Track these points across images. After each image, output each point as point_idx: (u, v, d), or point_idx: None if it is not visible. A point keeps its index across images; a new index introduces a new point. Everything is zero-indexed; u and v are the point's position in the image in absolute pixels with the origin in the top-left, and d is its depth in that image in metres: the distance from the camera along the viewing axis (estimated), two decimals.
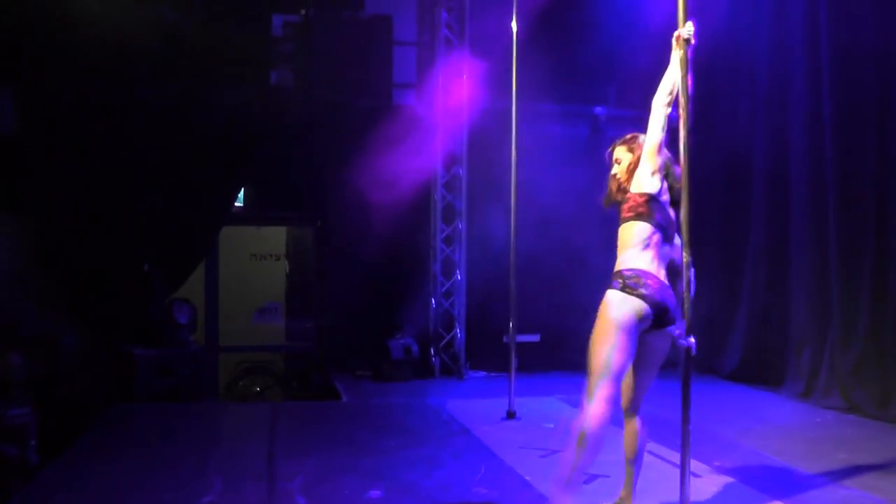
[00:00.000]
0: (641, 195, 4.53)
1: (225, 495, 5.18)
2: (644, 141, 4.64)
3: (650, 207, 4.51)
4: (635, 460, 4.73)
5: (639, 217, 4.51)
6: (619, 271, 4.46)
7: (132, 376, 8.79)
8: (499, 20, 9.04)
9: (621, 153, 4.75)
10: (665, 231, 4.53)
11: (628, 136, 4.81)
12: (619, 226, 4.61)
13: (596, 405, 4.29)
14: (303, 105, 10.56)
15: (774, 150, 9.56)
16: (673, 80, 4.55)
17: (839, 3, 8.50)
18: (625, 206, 4.58)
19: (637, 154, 4.67)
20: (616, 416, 4.43)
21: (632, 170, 4.66)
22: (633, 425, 4.70)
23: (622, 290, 4.39)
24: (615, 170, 4.74)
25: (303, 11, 10.86)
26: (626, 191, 4.65)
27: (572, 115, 11.14)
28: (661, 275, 4.50)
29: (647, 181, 4.54)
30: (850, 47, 8.35)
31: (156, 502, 5.10)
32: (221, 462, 6.04)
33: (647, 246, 4.48)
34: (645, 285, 4.37)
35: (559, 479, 4.40)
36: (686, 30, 4.50)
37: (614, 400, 4.38)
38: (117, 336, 9.14)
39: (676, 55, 4.54)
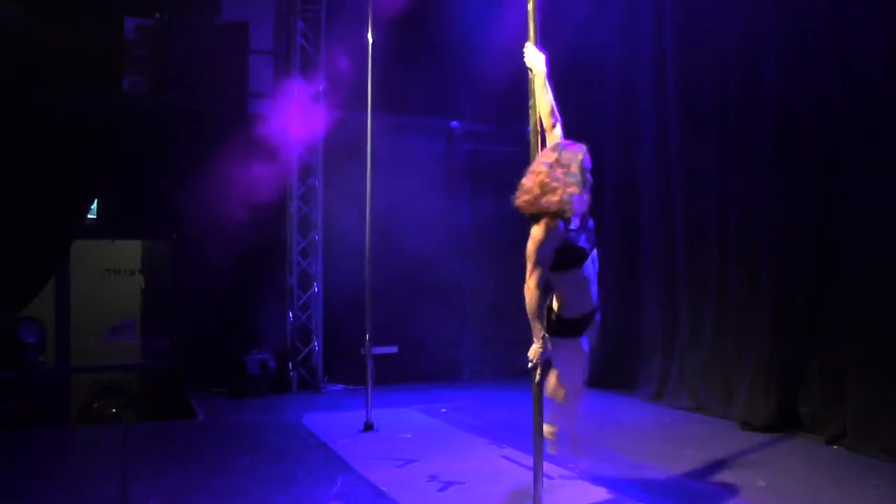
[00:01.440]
0: None
1: None
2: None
3: None
4: None
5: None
6: None
7: None
8: (356, 31, 9.05)
9: None
10: None
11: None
12: None
13: None
14: (156, 112, 10.23)
15: (624, 162, 9.93)
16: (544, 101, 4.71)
17: (683, 15, 8.89)
18: None
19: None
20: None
21: None
22: None
23: None
24: None
25: (157, 15, 10.58)
26: None
27: (428, 128, 11.25)
28: None
29: None
30: (691, 62, 8.79)
31: None
32: (70, 490, 5.85)
33: None
34: None
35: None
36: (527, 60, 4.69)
37: None
38: None
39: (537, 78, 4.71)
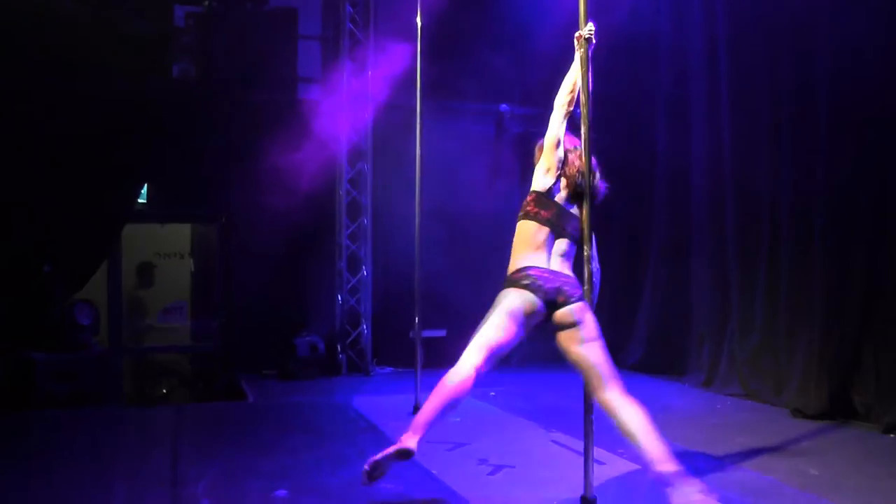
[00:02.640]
0: (531, 193, 4.73)
1: (128, 501, 5.11)
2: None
3: (537, 205, 4.67)
4: None
5: (525, 216, 4.71)
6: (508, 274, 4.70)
7: (31, 383, 8.54)
8: (404, 15, 9.04)
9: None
10: (554, 227, 4.63)
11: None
12: None
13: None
14: (206, 99, 10.36)
15: (676, 148, 9.85)
16: (574, 79, 4.67)
17: (734, 3, 8.77)
18: (523, 204, 4.76)
19: (538, 155, 4.80)
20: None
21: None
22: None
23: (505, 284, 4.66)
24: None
25: (206, 2, 10.66)
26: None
27: (477, 111, 11.22)
28: (555, 265, 4.61)
29: (539, 179, 4.73)
30: (745, 46, 8.67)
31: None
32: (124, 469, 5.93)
33: (537, 246, 4.64)
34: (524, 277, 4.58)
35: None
36: (587, 30, 4.62)
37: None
38: (15, 341, 8.85)
39: (578, 55, 4.65)
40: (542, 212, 4.65)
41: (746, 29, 8.65)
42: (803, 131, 7.85)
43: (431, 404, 4.69)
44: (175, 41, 10.45)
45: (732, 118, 8.84)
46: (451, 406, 4.64)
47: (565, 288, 4.59)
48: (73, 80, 9.00)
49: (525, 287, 4.59)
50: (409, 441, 4.57)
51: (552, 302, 4.59)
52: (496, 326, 4.67)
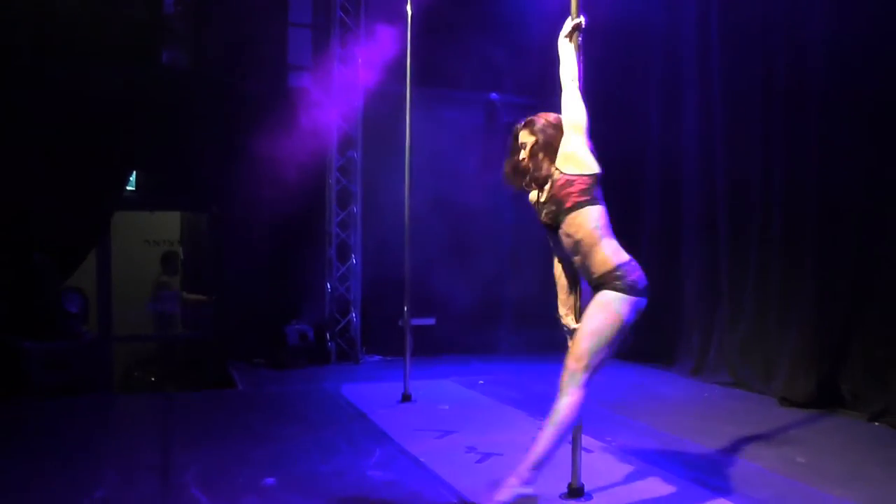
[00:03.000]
0: (591, 175, 4.40)
1: (118, 489, 5.11)
2: (554, 120, 4.56)
3: (599, 187, 4.43)
4: None
5: (594, 201, 4.38)
6: (615, 271, 4.33)
7: (21, 371, 8.52)
8: (395, 3, 9.03)
9: (525, 137, 4.61)
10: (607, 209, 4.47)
11: (529, 119, 4.66)
12: (562, 212, 4.39)
13: (578, 392, 4.28)
14: (195, 86, 10.35)
15: (667, 137, 9.86)
16: (572, 65, 4.56)
17: None
18: (572, 190, 4.36)
19: (539, 137, 4.55)
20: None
21: (535, 153, 4.53)
22: None
23: (629, 293, 4.31)
24: (522, 154, 4.59)
25: None
26: (530, 175, 4.56)
27: (468, 100, 11.23)
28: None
29: (591, 159, 4.41)
30: (737, 40, 8.68)
31: (46, 499, 4.98)
32: (115, 456, 5.93)
33: (611, 230, 4.42)
34: (641, 278, 4.36)
35: (530, 461, 4.34)
36: (578, 20, 4.58)
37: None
38: (5, 329, 8.83)
39: (566, 43, 4.59)
40: (599, 195, 4.42)
41: (739, 15, 8.64)
42: (795, 120, 7.86)
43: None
44: (164, 28, 10.40)
45: (724, 107, 8.84)
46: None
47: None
48: (61, 66, 8.95)
49: (643, 295, 4.37)
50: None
51: None
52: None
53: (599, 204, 4.38)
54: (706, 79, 9.14)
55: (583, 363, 4.27)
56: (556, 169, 4.44)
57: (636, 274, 4.35)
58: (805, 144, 7.72)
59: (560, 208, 4.40)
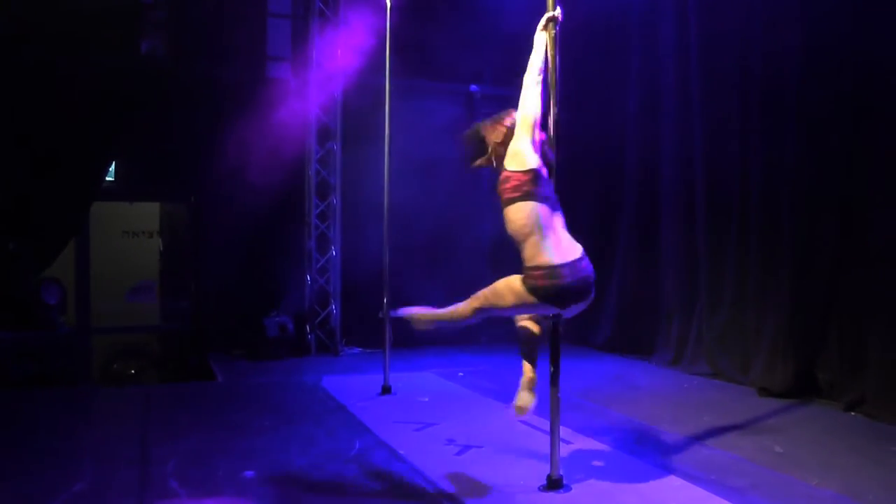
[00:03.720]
0: (525, 172, 4.55)
1: (96, 482, 5.09)
2: (514, 116, 4.71)
3: (535, 183, 4.53)
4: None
5: (526, 196, 4.52)
6: (529, 271, 4.53)
7: None
8: None
9: (488, 132, 4.78)
10: (550, 202, 4.57)
11: (493, 115, 4.84)
12: (502, 206, 4.63)
13: (463, 310, 4.82)
14: (174, 76, 10.29)
15: (646, 128, 9.90)
16: (541, 57, 4.64)
17: None
18: (507, 186, 4.57)
19: (501, 131, 4.72)
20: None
21: (497, 147, 4.72)
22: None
23: (531, 293, 4.49)
24: (490, 148, 4.77)
25: None
26: (498, 167, 4.71)
27: (447, 91, 11.22)
28: (565, 243, 4.57)
29: (529, 156, 4.56)
30: (716, 32, 8.70)
31: (23, 492, 4.94)
32: (93, 448, 5.91)
33: (545, 227, 4.51)
34: (551, 286, 4.47)
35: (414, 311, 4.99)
36: (554, 12, 4.63)
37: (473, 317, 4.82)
38: None
39: (543, 35, 4.66)
40: (538, 189, 4.53)
41: (718, 10, 8.67)
42: (773, 111, 7.91)
43: None
44: (143, 17, 10.33)
45: (703, 98, 8.88)
46: None
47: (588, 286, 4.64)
48: (39, 55, 8.88)
49: (547, 298, 4.53)
50: None
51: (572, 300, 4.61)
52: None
53: (534, 200, 4.52)
54: (685, 72, 9.16)
55: (476, 302, 4.75)
56: (504, 166, 4.66)
57: (544, 281, 4.48)
58: (782, 137, 7.76)
59: (501, 203, 4.63)
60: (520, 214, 4.53)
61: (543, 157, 4.64)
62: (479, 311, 4.76)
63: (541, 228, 4.50)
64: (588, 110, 10.49)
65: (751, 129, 8.22)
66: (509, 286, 4.62)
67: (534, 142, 4.59)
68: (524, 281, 4.53)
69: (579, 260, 4.55)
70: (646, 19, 9.88)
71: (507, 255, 11.15)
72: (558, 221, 4.62)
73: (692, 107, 9.03)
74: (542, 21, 4.69)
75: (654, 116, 9.71)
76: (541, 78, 4.64)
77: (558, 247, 4.52)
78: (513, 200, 4.54)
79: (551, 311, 4.63)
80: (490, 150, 4.77)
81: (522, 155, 4.56)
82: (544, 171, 4.61)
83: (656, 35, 9.69)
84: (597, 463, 5.42)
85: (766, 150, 8.01)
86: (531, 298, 4.51)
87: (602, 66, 10.57)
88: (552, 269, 4.46)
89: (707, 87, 8.82)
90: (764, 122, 8.04)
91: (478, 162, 4.87)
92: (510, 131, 4.70)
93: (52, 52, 8.91)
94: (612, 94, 10.46)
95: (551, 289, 4.46)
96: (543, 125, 4.69)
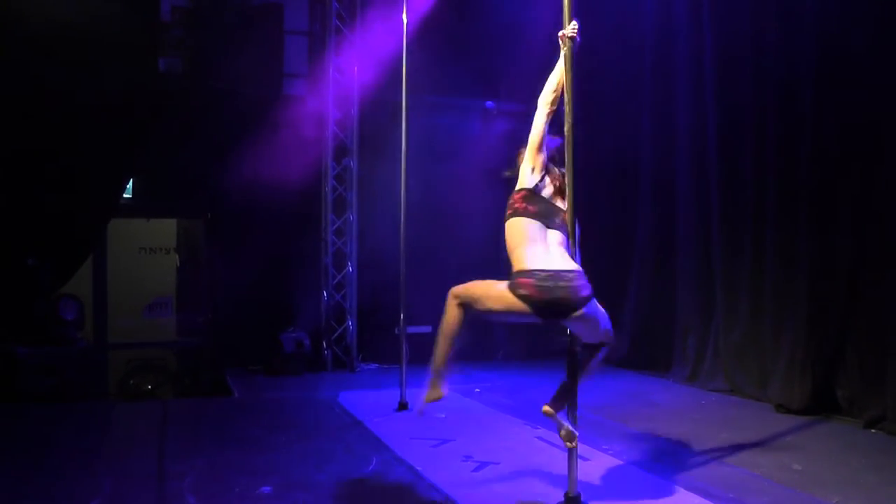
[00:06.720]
0: (518, 192, 4.77)
1: (113, 497, 5.10)
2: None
3: (526, 202, 4.69)
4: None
5: (517, 213, 4.69)
6: (512, 276, 4.59)
7: (14, 377, 8.50)
8: (390, 11, 9.04)
9: (520, 154, 4.94)
10: (545, 219, 4.66)
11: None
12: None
13: (451, 312, 4.86)
14: (192, 93, 10.34)
15: (661, 146, 9.89)
16: (558, 78, 4.72)
17: (720, 4, 8.79)
18: (509, 203, 4.78)
19: (523, 152, 4.87)
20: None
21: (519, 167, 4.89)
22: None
23: (510, 288, 4.53)
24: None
25: None
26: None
27: (463, 107, 11.25)
28: (554, 256, 4.57)
29: (525, 177, 4.77)
30: (730, 48, 8.69)
31: None
32: (110, 463, 5.93)
33: (531, 240, 4.60)
34: (532, 293, 4.46)
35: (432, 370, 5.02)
36: (570, 28, 4.66)
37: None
38: None
39: (562, 53, 4.69)
40: (530, 207, 4.67)
41: (732, 20, 8.67)
42: (788, 125, 7.89)
43: None
44: (161, 35, 10.39)
45: (717, 114, 8.87)
46: None
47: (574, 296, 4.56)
48: (58, 73, 8.95)
49: (522, 298, 4.52)
50: None
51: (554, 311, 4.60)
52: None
53: (525, 217, 4.68)
54: (699, 90, 9.17)
55: (458, 296, 4.77)
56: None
57: (522, 279, 4.51)
58: (797, 150, 7.74)
59: None
60: (511, 230, 4.70)
61: (550, 161, 4.84)
62: (460, 303, 4.79)
63: (528, 241, 4.62)
64: (601, 127, 10.50)
65: (767, 147, 8.19)
66: (488, 281, 4.73)
67: (543, 165, 4.78)
68: (508, 286, 4.59)
69: (566, 271, 4.52)
70: (659, 40, 9.88)
71: None
72: (553, 238, 4.66)
73: (707, 124, 9.02)
74: (559, 39, 4.72)
75: (669, 134, 9.71)
76: (554, 97, 4.74)
77: (543, 256, 4.57)
78: (507, 217, 4.75)
79: (530, 318, 4.62)
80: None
81: (523, 175, 4.80)
82: (544, 192, 4.75)
83: (670, 47, 9.68)
84: (614, 480, 5.40)
85: (781, 169, 7.97)
86: (508, 295, 4.53)
87: (615, 83, 10.58)
88: (531, 272, 4.50)
89: (722, 104, 8.80)
90: (779, 135, 8.00)
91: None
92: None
93: (71, 69, 8.97)
94: (625, 112, 10.46)
95: (523, 287, 4.47)
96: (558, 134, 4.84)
